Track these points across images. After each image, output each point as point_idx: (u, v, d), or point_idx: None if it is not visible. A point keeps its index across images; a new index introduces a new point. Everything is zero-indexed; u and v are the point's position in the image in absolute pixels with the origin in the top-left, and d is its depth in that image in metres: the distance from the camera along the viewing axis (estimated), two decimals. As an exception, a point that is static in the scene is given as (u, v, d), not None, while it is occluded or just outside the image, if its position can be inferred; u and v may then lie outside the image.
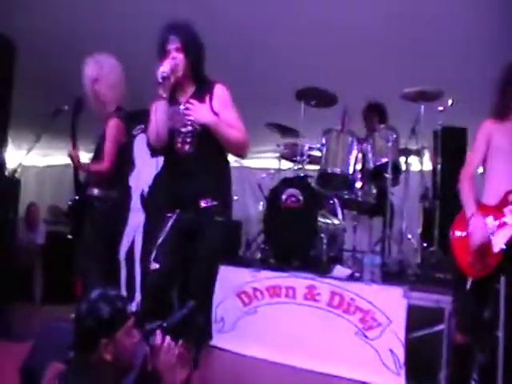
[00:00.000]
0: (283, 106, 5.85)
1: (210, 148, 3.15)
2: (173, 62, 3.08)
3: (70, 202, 4.29)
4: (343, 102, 5.48)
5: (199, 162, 3.15)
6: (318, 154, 5.44)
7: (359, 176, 5.27)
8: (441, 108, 5.16)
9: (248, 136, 3.22)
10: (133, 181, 5.46)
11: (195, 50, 3.20)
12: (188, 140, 3.14)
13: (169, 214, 3.22)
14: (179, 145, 3.16)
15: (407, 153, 5.37)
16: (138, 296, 5.33)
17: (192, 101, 3.13)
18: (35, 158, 10.23)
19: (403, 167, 5.35)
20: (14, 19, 5.75)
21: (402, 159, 5.37)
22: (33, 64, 6.19)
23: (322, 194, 5.31)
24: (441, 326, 4.05)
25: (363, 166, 5.29)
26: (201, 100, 3.15)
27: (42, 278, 6.90)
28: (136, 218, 5.41)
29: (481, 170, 3.32)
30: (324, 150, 5.27)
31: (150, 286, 3.28)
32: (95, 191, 4.17)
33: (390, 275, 4.63)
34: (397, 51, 6.15)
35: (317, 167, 5.40)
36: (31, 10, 5.98)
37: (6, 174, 5.31)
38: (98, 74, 4.17)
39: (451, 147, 5.29)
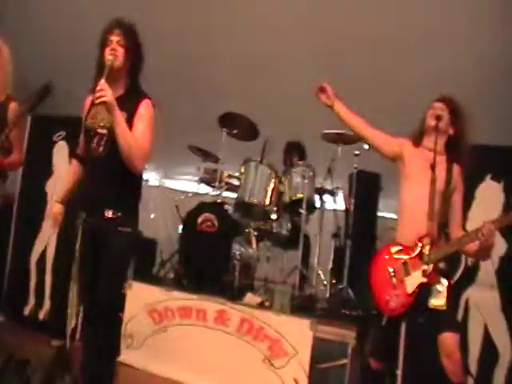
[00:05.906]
0: (207, 132, 5.91)
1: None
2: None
3: None
4: (265, 135, 5.59)
5: (110, 166, 3.11)
6: (236, 182, 5.52)
7: (275, 208, 5.38)
8: (357, 152, 5.41)
9: (142, 153, 3.12)
10: (50, 187, 5.31)
11: (135, 49, 3.24)
12: (102, 143, 3.14)
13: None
14: (94, 145, 3.16)
15: (322, 191, 5.57)
16: (47, 303, 5.18)
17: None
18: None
19: (317, 205, 5.52)
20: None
21: (317, 197, 5.54)
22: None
23: (238, 221, 5.37)
24: (344, 360, 4.21)
25: (279, 199, 5.41)
26: (124, 104, 3.13)
27: None
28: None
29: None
30: (242, 179, 5.35)
31: None
32: None
33: (299, 307, 4.72)
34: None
35: (235, 195, 5.47)
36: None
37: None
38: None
39: (364, 191, 5.53)
